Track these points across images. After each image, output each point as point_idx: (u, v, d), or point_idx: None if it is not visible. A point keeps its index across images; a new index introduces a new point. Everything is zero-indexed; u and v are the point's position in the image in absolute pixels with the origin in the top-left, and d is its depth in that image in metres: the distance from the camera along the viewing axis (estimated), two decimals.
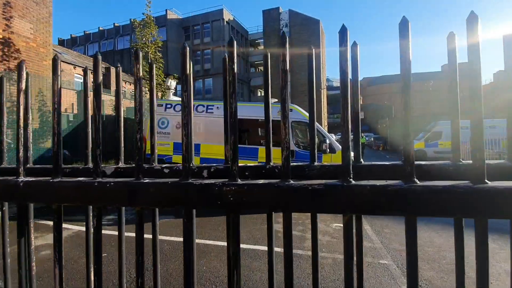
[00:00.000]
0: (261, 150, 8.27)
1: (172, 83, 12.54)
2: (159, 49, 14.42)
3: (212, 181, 0.69)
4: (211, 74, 36.48)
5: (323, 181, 0.63)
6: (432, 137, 20.02)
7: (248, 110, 9.01)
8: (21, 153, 0.82)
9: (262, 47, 44.47)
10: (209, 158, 9.20)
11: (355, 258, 0.72)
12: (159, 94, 14.03)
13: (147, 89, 13.68)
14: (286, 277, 0.72)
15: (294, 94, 34.99)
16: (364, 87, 73.44)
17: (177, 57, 35.95)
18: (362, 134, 21.56)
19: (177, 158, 9.67)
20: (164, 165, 0.93)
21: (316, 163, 0.86)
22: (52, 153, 0.80)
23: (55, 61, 0.81)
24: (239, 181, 0.67)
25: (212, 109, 9.70)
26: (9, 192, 0.80)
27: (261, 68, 41.82)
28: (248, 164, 0.90)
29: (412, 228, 0.60)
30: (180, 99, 12.71)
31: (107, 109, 15.02)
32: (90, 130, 0.96)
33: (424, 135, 20.91)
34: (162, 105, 9.88)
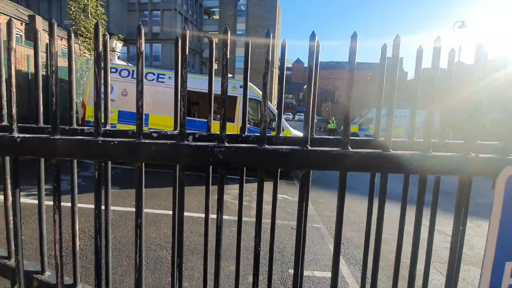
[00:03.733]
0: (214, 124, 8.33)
1: (118, 44, 11.41)
2: (101, 3, 12.74)
3: (203, 143, 0.88)
4: (160, 39, 33.70)
5: (289, 147, 0.88)
6: (365, 122, 22.61)
7: (199, 83, 8.76)
8: (13, 110, 0.86)
9: (217, 16, 42.40)
10: (158, 129, 8.92)
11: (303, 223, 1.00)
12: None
13: (86, 48, 12.16)
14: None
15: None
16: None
17: (120, 15, 32.18)
18: (333, 120, 23.05)
19: (122, 128, 9.12)
20: (152, 130, 1.06)
21: (281, 135, 1.11)
22: (51, 112, 0.87)
23: (51, 24, 0.86)
24: (227, 144, 0.88)
25: (163, 78, 9.27)
26: (4, 147, 0.86)
27: (216, 39, 40.10)
28: (228, 133, 1.10)
29: (344, 180, 0.91)
30: (125, 63, 11.72)
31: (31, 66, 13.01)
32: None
33: (359, 120, 23.37)
34: None
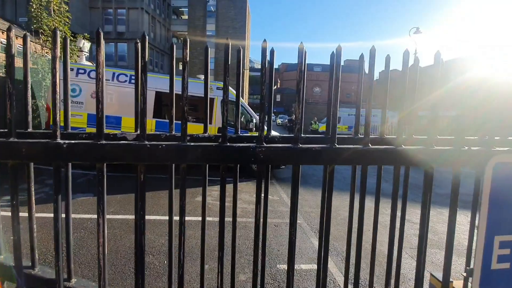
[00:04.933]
0: (190, 126, 8.24)
1: (86, 44, 10.78)
2: (64, 0, 11.90)
3: (246, 144, 0.97)
4: (125, 38, 32.26)
5: (318, 145, 1.01)
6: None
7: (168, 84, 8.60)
8: (57, 117, 0.87)
9: (186, 16, 41.62)
10: (132, 132, 8.60)
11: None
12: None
13: (49, 47, 11.27)
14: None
15: (218, 71, 34.62)
16: (281, 72, 78.32)
17: (82, 12, 30.30)
18: (316, 121, 22.65)
19: (91, 131, 8.69)
20: (162, 133, 1.11)
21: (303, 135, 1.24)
22: (96, 118, 0.89)
23: (98, 34, 0.89)
24: (265, 145, 0.98)
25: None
26: (50, 153, 0.87)
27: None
28: (253, 135, 1.20)
29: (365, 173, 1.06)
30: (90, 63, 11.10)
31: None
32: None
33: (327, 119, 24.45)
34: (73, 70, 8.55)
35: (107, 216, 5.20)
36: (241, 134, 1.19)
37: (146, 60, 1.00)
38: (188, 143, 0.94)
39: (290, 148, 0.98)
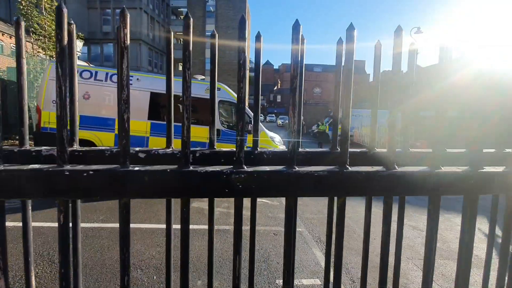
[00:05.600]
0: (197, 129, 7.95)
1: (78, 43, 10.46)
2: None
3: (217, 168, 0.65)
4: None
5: (325, 168, 0.69)
6: (331, 121, 23.19)
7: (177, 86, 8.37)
8: (64, 133, 0.57)
9: None
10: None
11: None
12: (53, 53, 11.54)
13: (40, 46, 10.94)
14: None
15: (218, 72, 34.22)
16: (281, 73, 78.15)
17: (79, 12, 30.09)
18: (323, 121, 20.34)
19: (85, 134, 8.40)
20: (138, 149, 0.81)
21: (300, 150, 0.91)
22: (118, 138, 0.59)
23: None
24: (246, 168, 0.66)
25: (131, 80, 8.66)
26: (50, 186, 0.56)
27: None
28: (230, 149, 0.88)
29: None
30: (86, 63, 10.85)
31: None
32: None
33: (328, 120, 23.95)
34: None
35: (95, 225, 4.88)
36: (217, 150, 0.87)
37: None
38: (129, 168, 0.63)
39: (282, 173, 0.66)
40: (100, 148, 0.80)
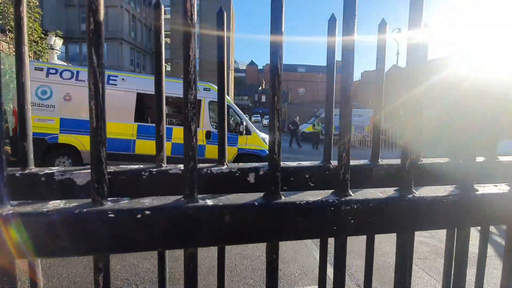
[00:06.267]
0: (176, 130, 7.61)
1: (57, 41, 9.84)
2: None
3: (317, 197, 0.46)
4: (105, 38, 30.80)
5: (451, 190, 0.52)
6: (321, 121, 23.35)
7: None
8: (102, 153, 0.35)
9: (168, 16, 40.49)
10: (112, 138, 7.87)
11: None
12: (32, 54, 10.78)
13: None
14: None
15: (202, 72, 33.81)
16: (265, 73, 78.33)
17: (57, 10, 28.71)
18: (318, 122, 19.41)
19: (66, 139, 7.89)
20: (139, 167, 0.57)
21: (380, 162, 0.73)
22: (184, 156, 0.36)
23: None
24: (354, 195, 0.48)
25: (115, 80, 8.23)
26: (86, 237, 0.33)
27: (168, 40, 38.13)
28: (302, 164, 0.69)
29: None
30: (65, 63, 10.24)
31: None
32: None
33: (315, 119, 24.07)
34: (42, 69, 7.72)
35: None
36: (303, 165, 0.66)
37: None
38: (200, 202, 0.42)
39: (401, 200, 0.48)
40: (134, 167, 0.59)
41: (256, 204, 0.44)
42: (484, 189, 0.54)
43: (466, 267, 0.59)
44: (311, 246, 4.87)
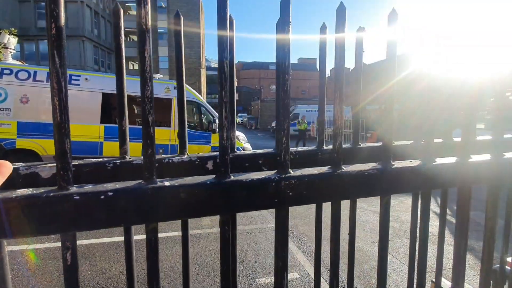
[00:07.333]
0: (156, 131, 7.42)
1: (11, 40, 9.09)
2: None
3: (261, 175, 0.55)
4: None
5: (374, 165, 0.64)
6: (292, 118, 23.86)
7: (130, 85, 7.78)
8: (67, 144, 0.37)
9: (133, 12, 38.83)
10: (77, 141, 7.50)
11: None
12: None
13: None
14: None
15: (173, 71, 32.99)
16: (237, 70, 78.19)
17: (10, 5, 26.43)
18: (304, 119, 19.67)
19: (25, 143, 7.39)
20: (104, 159, 0.64)
21: (325, 147, 0.85)
22: (142, 146, 0.40)
23: None
24: (293, 173, 0.58)
25: (78, 80, 7.83)
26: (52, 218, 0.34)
27: (134, 37, 36.60)
28: (258, 151, 0.78)
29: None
30: (21, 63, 9.53)
31: None
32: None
33: (300, 117, 24.50)
34: None
35: (48, 245, 4.30)
36: (240, 154, 0.76)
37: None
38: (159, 183, 0.49)
39: (332, 175, 0.58)
40: (98, 160, 0.64)
41: (208, 182, 0.52)
42: (400, 164, 0.67)
43: (388, 230, 0.73)
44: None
